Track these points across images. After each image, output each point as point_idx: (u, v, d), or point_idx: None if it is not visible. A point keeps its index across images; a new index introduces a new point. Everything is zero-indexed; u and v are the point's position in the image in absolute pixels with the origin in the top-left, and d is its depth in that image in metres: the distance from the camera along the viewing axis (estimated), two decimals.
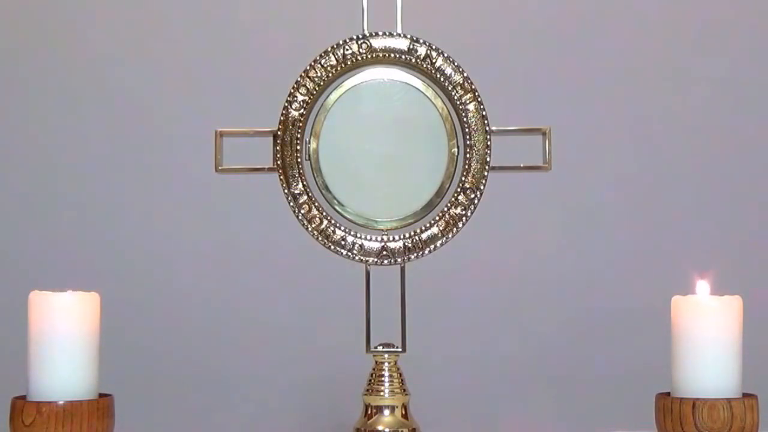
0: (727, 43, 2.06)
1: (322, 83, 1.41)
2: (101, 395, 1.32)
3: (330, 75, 1.41)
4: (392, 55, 1.41)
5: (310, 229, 1.40)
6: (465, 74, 1.41)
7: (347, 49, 1.41)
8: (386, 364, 1.43)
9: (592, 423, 1.98)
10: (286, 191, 1.41)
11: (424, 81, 1.42)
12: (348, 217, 1.42)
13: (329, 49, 1.41)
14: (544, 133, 1.42)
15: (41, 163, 2.05)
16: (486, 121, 1.40)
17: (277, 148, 1.41)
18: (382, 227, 1.42)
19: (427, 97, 1.42)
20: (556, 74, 2.04)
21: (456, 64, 1.41)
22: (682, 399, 1.31)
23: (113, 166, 2.05)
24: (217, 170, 1.43)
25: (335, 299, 1.96)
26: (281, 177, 1.41)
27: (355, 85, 1.42)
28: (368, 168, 1.42)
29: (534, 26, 2.06)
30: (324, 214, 1.40)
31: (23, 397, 1.31)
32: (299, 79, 1.41)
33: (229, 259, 2.04)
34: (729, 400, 1.30)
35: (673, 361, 1.33)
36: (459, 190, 1.40)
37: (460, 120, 1.41)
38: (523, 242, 2.04)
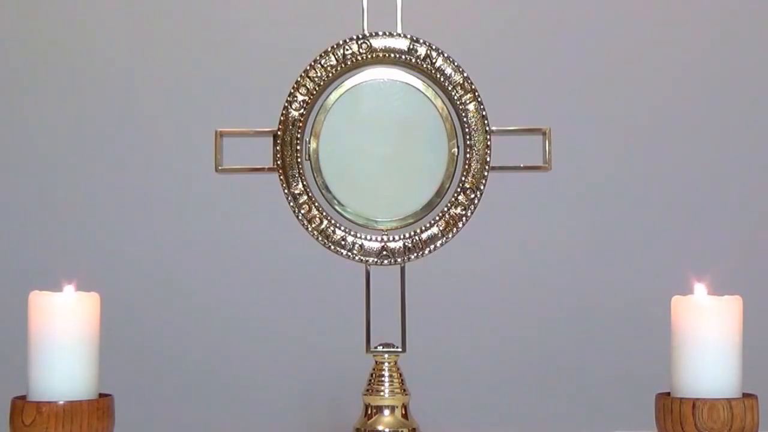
0: (728, 44, 2.06)
1: (322, 83, 1.41)
2: (101, 395, 1.32)
3: (330, 75, 1.41)
4: (392, 55, 1.41)
5: (310, 229, 1.40)
6: (465, 74, 1.41)
7: (347, 49, 1.41)
8: (386, 364, 1.43)
9: (592, 423, 1.98)
10: (286, 191, 1.41)
11: (424, 81, 1.42)
12: (348, 217, 1.42)
13: (329, 49, 1.41)
14: (544, 133, 1.42)
15: (41, 163, 2.05)
16: (486, 121, 1.40)
17: (277, 148, 1.41)
18: (382, 227, 1.42)
19: (427, 97, 1.42)
20: (556, 74, 2.04)
21: (456, 64, 1.41)
22: (682, 399, 1.31)
23: (113, 165, 2.05)
24: (217, 170, 1.43)
25: (335, 299, 1.97)
26: (281, 177, 1.41)
27: (355, 85, 1.42)
28: (368, 168, 1.42)
29: (534, 26, 2.06)
30: (324, 214, 1.40)
31: (23, 397, 1.31)
32: (299, 79, 1.41)
33: (229, 259, 2.04)
34: (729, 400, 1.30)
35: (673, 361, 1.33)
36: (459, 190, 1.40)
37: (460, 120, 1.41)
38: (522, 242, 2.04)
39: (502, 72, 2.02)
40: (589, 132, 2.04)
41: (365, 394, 1.43)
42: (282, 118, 1.41)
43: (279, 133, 1.41)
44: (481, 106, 1.41)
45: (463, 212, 1.41)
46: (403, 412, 1.42)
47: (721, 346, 1.31)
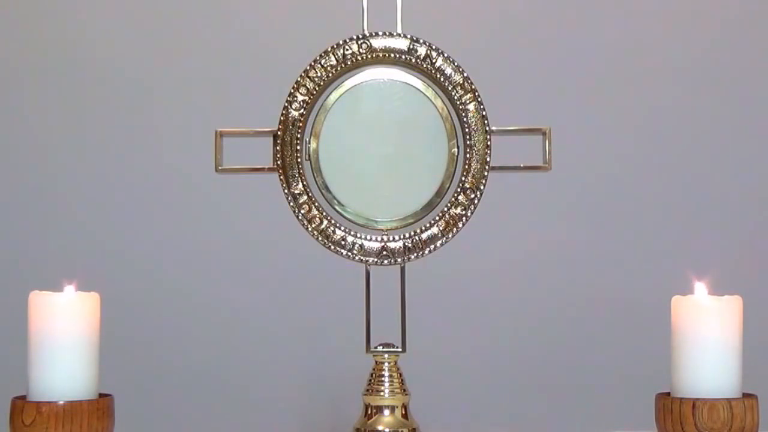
0: (729, 44, 2.06)
1: (322, 83, 1.41)
2: (101, 395, 1.32)
3: (330, 75, 1.41)
4: (392, 55, 1.41)
5: (310, 229, 1.40)
6: (465, 74, 1.41)
7: (347, 49, 1.41)
8: (386, 364, 1.42)
9: (592, 423, 1.98)
10: (286, 191, 1.41)
11: (424, 81, 1.42)
12: (348, 217, 1.42)
13: (329, 49, 1.41)
14: (544, 133, 1.42)
15: (41, 163, 2.05)
16: (486, 121, 1.40)
17: (277, 148, 1.41)
18: (382, 227, 1.42)
19: (427, 97, 1.42)
20: (556, 74, 2.04)
21: (456, 64, 1.41)
22: (682, 399, 1.31)
23: (113, 166, 2.05)
24: (217, 170, 1.43)
25: (335, 299, 1.97)
26: (281, 177, 1.41)
27: (355, 85, 1.42)
28: (368, 168, 1.42)
29: (534, 26, 2.06)
30: (324, 214, 1.40)
31: (23, 397, 1.31)
32: (299, 79, 1.41)
33: (229, 259, 2.04)
34: (729, 400, 1.30)
35: (673, 361, 1.33)
36: (459, 190, 1.40)
37: (460, 120, 1.41)
38: (522, 242, 2.04)
39: (502, 72, 2.02)
40: (589, 132, 2.04)
41: (365, 394, 1.43)
42: (282, 118, 1.41)
43: (279, 133, 1.41)
44: (481, 106, 1.41)
45: (463, 212, 1.41)
46: (403, 412, 1.42)
47: (721, 346, 1.31)
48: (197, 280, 2.03)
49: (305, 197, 1.40)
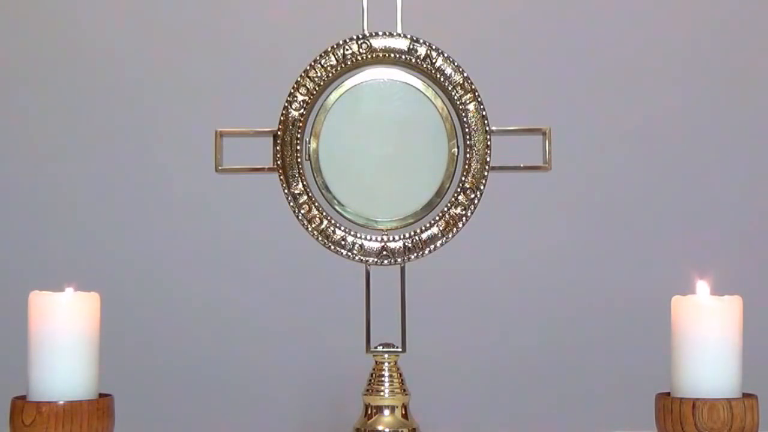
0: (728, 44, 2.06)
1: (322, 83, 1.41)
2: (101, 395, 1.32)
3: (330, 75, 1.41)
4: (392, 55, 1.41)
5: (310, 229, 1.40)
6: (465, 74, 1.41)
7: (347, 49, 1.41)
8: (386, 364, 1.42)
9: (592, 423, 1.98)
10: (286, 191, 1.41)
11: (424, 81, 1.42)
12: (348, 217, 1.42)
13: (329, 49, 1.41)
14: (544, 133, 1.42)
15: (41, 163, 2.05)
16: (486, 121, 1.40)
17: (277, 148, 1.41)
18: (382, 227, 1.42)
19: (427, 97, 1.42)
20: (556, 74, 2.04)
21: (456, 64, 1.41)
22: (682, 399, 1.31)
23: (113, 165, 2.05)
24: (217, 170, 1.43)
25: (335, 299, 1.97)
26: (281, 177, 1.41)
27: (355, 85, 1.42)
28: (368, 168, 1.42)
29: (534, 26, 2.06)
30: (324, 214, 1.40)
31: (23, 397, 1.31)
32: (299, 79, 1.41)
33: (228, 259, 2.04)
34: (729, 400, 1.30)
35: (673, 361, 1.33)
36: (459, 190, 1.40)
37: (460, 120, 1.41)
38: (522, 242, 2.04)
39: (502, 72, 2.02)
40: (589, 132, 2.04)
41: (365, 394, 1.43)
42: (282, 118, 1.41)
43: (279, 133, 1.41)
44: (481, 106, 1.41)
45: (463, 212, 1.40)
46: (403, 412, 1.42)
47: (721, 346, 1.31)
48: (197, 280, 2.03)
49: (305, 197, 1.41)
